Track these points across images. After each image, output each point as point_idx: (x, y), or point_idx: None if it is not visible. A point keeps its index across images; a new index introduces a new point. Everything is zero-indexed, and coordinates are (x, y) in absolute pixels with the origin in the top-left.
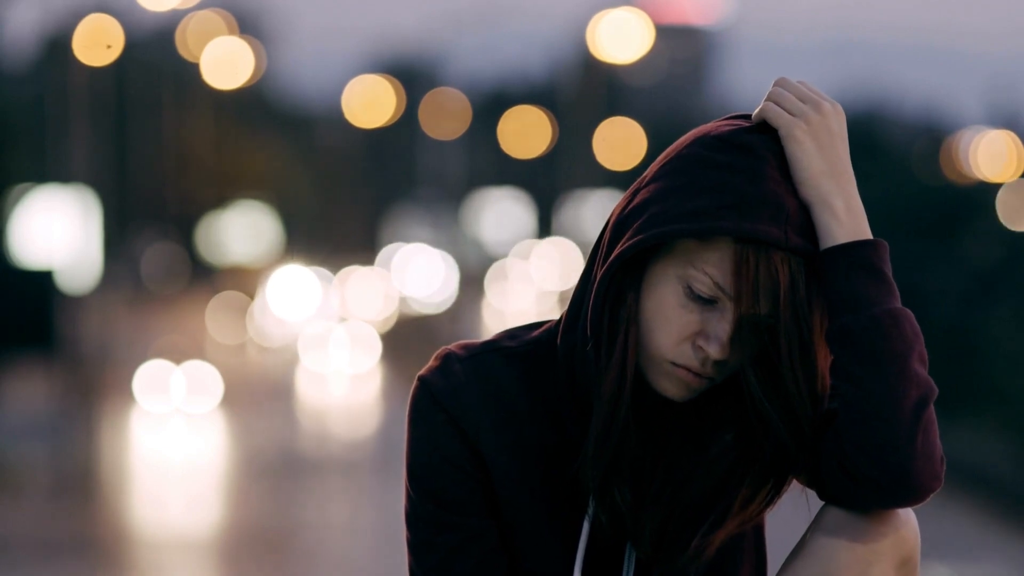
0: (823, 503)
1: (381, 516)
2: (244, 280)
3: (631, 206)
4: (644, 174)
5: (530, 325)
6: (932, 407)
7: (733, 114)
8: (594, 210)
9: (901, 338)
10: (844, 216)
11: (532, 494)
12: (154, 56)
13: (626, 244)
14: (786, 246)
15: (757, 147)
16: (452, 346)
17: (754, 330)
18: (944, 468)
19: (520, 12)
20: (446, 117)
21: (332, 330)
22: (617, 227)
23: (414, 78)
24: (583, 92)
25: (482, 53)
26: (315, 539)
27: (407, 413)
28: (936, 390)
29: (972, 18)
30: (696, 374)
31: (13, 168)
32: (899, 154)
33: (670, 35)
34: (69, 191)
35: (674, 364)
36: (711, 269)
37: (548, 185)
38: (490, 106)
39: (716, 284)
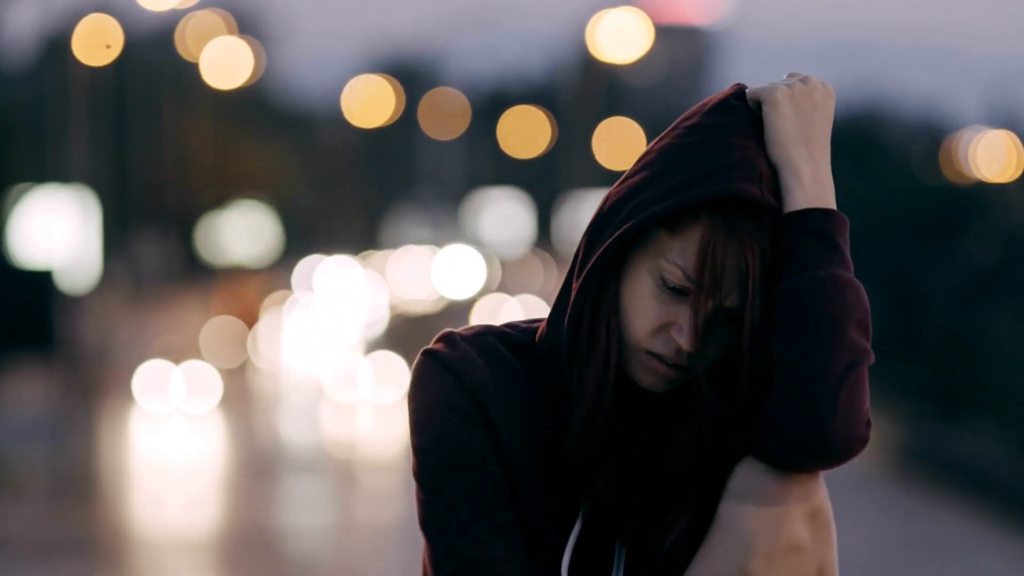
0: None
1: (381, 516)
2: (241, 299)
3: (610, 202)
4: (626, 170)
5: (528, 320)
6: (864, 372)
7: (724, 92)
8: (593, 210)
9: (842, 302)
10: (809, 183)
11: (529, 475)
12: (154, 56)
13: (606, 242)
14: (762, 201)
15: (726, 122)
16: (452, 329)
17: (726, 321)
18: (869, 432)
19: (520, 12)
20: (445, 117)
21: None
22: (598, 223)
23: (414, 78)
24: (583, 92)
25: (482, 53)
26: (314, 539)
27: (412, 384)
28: (872, 358)
29: (972, 18)
30: (671, 365)
31: (13, 168)
32: (899, 154)
33: (670, 35)
34: (69, 191)
35: (649, 354)
36: (680, 260)
37: (548, 185)
38: (490, 106)
39: (685, 275)
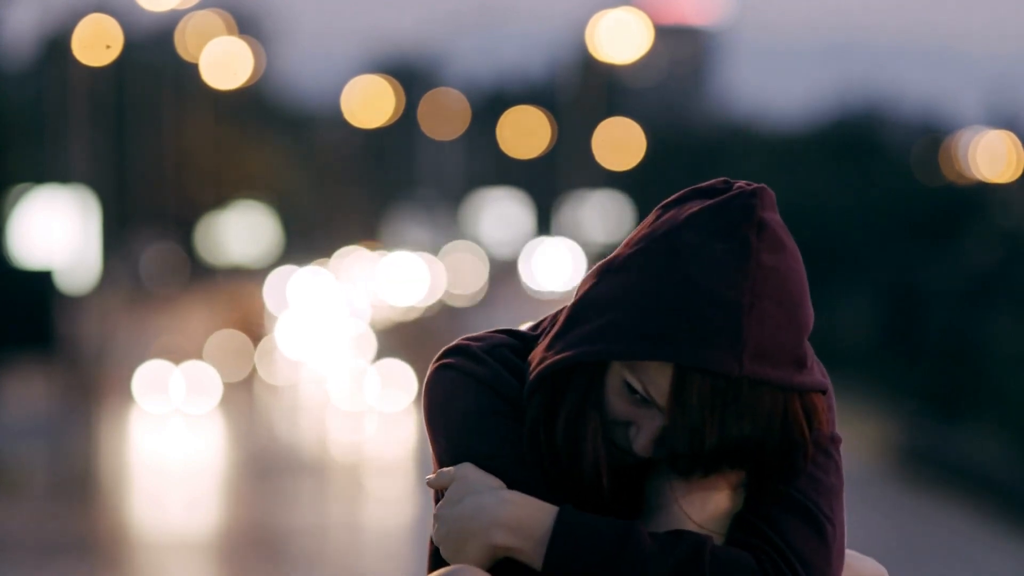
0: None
1: (381, 516)
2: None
3: (595, 292)
4: (620, 249)
5: (531, 328)
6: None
7: (718, 182)
8: (593, 210)
9: None
10: None
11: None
12: (153, 56)
13: (569, 353)
14: (739, 375)
15: (720, 255)
16: (461, 340)
17: (686, 432)
18: None
19: (520, 12)
20: (445, 117)
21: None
22: (581, 310)
23: (413, 78)
24: (583, 92)
25: (481, 53)
26: (314, 540)
27: (431, 396)
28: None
29: (972, 19)
30: (628, 453)
31: (13, 168)
32: (899, 154)
33: (670, 35)
34: (69, 191)
35: (609, 439)
36: (648, 381)
37: (547, 185)
38: (489, 106)
39: (649, 394)
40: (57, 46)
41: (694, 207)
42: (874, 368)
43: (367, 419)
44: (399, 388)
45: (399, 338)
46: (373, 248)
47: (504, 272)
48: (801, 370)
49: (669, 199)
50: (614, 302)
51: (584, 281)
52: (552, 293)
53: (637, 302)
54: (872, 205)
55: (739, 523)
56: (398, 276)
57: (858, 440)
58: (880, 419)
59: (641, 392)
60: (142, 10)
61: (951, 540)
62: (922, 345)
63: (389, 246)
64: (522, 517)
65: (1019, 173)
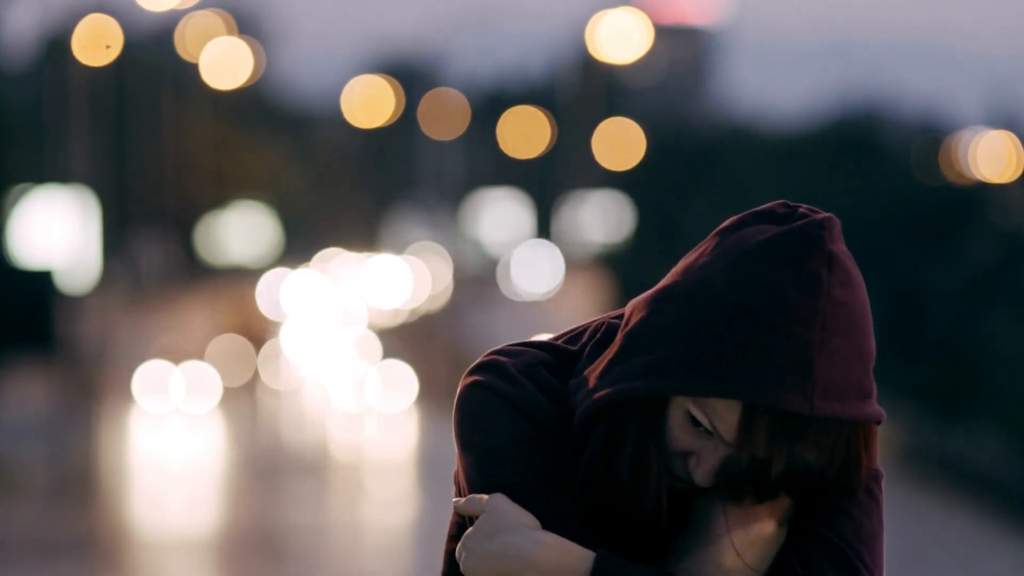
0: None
1: (381, 517)
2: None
3: (654, 320)
4: (675, 275)
5: (568, 340)
6: None
7: (778, 206)
8: (593, 210)
9: None
10: None
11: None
12: (153, 56)
13: (632, 384)
14: (810, 415)
15: (790, 290)
16: (494, 353)
17: (750, 464)
18: None
19: (520, 12)
20: (445, 117)
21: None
22: (638, 338)
23: (413, 78)
24: (583, 92)
25: (481, 53)
26: (314, 540)
27: (461, 415)
28: None
29: (972, 18)
30: (684, 481)
31: (13, 168)
32: (899, 154)
33: (670, 35)
34: (69, 191)
35: (666, 469)
36: (714, 415)
37: (547, 185)
38: (489, 106)
39: (715, 428)
40: (57, 46)
41: (759, 235)
42: (874, 368)
43: (368, 420)
44: (400, 389)
45: (400, 339)
46: (360, 251)
47: (483, 276)
48: (866, 400)
49: (726, 224)
50: (676, 333)
51: (637, 307)
52: (531, 295)
53: (703, 334)
54: (872, 205)
55: (779, 564)
56: (385, 278)
57: None
58: None
59: (706, 426)
60: (142, 10)
61: (951, 540)
62: (922, 345)
63: (375, 248)
64: (558, 562)
65: (1019, 173)
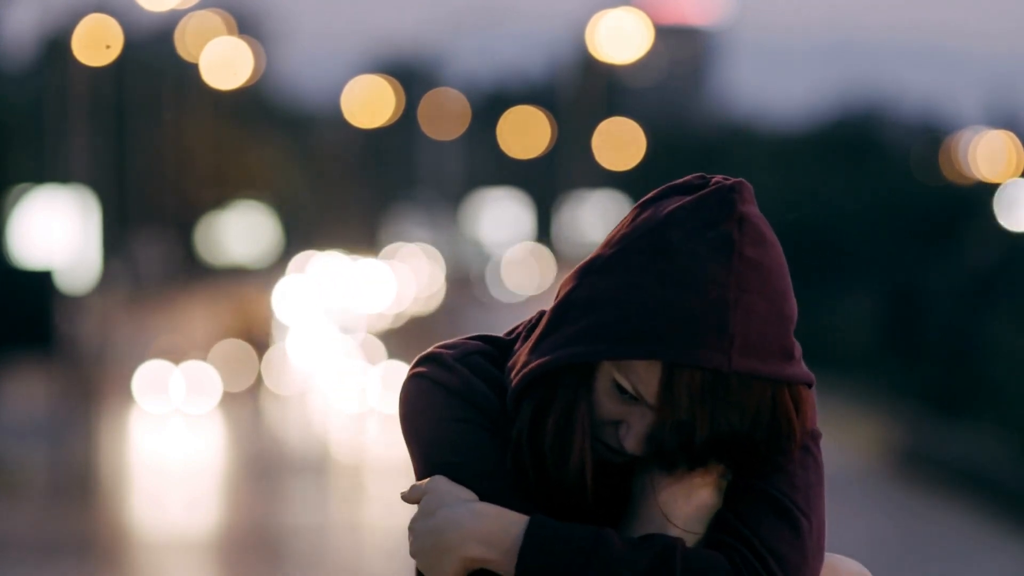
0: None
1: (381, 517)
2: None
3: (578, 293)
4: (600, 248)
5: (507, 334)
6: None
7: (695, 178)
8: (593, 210)
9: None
10: None
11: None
12: (153, 56)
13: (557, 355)
14: (728, 370)
15: (703, 251)
16: (435, 348)
17: (676, 428)
18: None
19: (520, 12)
20: (445, 117)
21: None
22: (565, 311)
23: (413, 78)
24: (583, 92)
25: (481, 53)
26: (314, 540)
27: (404, 406)
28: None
29: (972, 18)
30: (618, 452)
31: (13, 168)
32: (898, 154)
33: (670, 35)
34: (69, 191)
35: (597, 439)
36: (637, 380)
37: (547, 185)
38: (489, 106)
39: (639, 392)
40: (57, 46)
41: (673, 204)
42: (874, 368)
43: (368, 420)
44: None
45: (400, 340)
46: (348, 252)
47: (476, 277)
48: (789, 361)
49: (646, 197)
50: (599, 302)
51: (565, 282)
52: (515, 297)
53: (623, 301)
54: (872, 205)
55: (716, 522)
56: (369, 280)
57: (858, 440)
58: (880, 419)
59: (631, 391)
60: (142, 10)
61: (951, 540)
62: (922, 345)
63: (357, 250)
64: (494, 529)
65: (1019, 173)
